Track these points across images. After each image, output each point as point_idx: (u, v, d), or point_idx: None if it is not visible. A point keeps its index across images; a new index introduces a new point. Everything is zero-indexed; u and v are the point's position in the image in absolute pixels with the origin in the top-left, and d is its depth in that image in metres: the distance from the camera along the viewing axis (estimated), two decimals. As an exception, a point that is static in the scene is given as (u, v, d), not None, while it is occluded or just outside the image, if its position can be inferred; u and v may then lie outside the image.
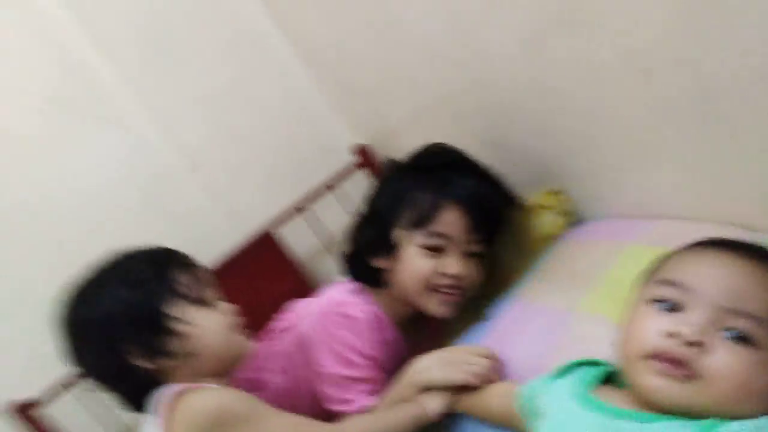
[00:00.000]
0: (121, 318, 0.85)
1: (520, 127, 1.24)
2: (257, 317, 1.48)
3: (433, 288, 1.06)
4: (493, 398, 0.85)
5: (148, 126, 1.61)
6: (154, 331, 0.86)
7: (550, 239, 1.21)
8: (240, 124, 1.72)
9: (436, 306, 1.08)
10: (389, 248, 1.08)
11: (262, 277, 1.56)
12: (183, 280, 0.90)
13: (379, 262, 1.11)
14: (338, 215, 1.72)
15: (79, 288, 0.91)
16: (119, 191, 1.56)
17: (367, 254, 1.12)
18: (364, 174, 1.74)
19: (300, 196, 1.66)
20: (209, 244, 1.58)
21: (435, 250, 1.05)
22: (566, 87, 1.07)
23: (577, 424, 0.64)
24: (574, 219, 1.25)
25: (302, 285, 1.62)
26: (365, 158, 1.74)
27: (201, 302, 0.90)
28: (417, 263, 1.05)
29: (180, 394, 0.84)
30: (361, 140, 1.76)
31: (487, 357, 0.95)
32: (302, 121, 1.80)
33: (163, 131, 1.63)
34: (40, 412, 1.31)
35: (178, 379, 0.87)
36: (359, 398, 1.01)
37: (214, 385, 0.89)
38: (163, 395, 0.85)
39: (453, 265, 1.05)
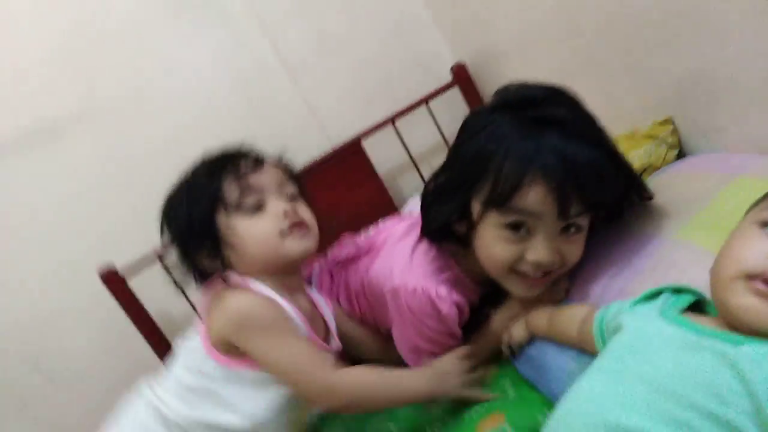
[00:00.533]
0: (184, 232, 0.93)
1: (638, 53, 1.14)
2: (337, 222, 1.52)
3: (517, 272, 0.89)
4: (569, 320, 0.81)
5: (252, 28, 1.63)
6: (208, 240, 0.92)
7: (651, 170, 1.13)
8: (342, 33, 1.70)
9: (521, 290, 0.92)
10: (467, 219, 0.91)
11: (346, 185, 1.57)
12: (230, 189, 0.92)
13: (458, 228, 0.95)
14: (428, 133, 1.70)
15: (166, 198, 0.99)
16: (218, 89, 1.61)
17: (445, 219, 0.95)
18: (459, 94, 1.69)
19: (393, 109, 1.64)
20: (300, 149, 1.60)
21: (517, 229, 0.85)
22: (691, 10, 0.96)
23: (661, 337, 0.60)
24: (679, 152, 1.16)
25: (384, 197, 1.62)
26: (462, 79, 1.68)
27: (246, 210, 0.91)
28: (495, 248, 0.88)
29: (224, 290, 0.92)
30: (462, 59, 1.70)
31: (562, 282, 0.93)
32: (404, 35, 1.76)
33: (266, 34, 1.64)
34: (125, 282, 1.42)
35: (239, 270, 0.93)
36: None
37: (265, 286, 0.92)
38: (215, 284, 0.94)
39: (538, 250, 0.84)
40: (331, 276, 1.19)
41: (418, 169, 1.68)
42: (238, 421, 0.89)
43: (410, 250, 1.02)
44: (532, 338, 0.93)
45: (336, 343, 1.02)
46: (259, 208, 0.92)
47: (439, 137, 1.70)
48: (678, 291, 0.69)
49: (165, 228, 0.96)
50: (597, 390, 0.60)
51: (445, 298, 0.96)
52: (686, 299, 0.67)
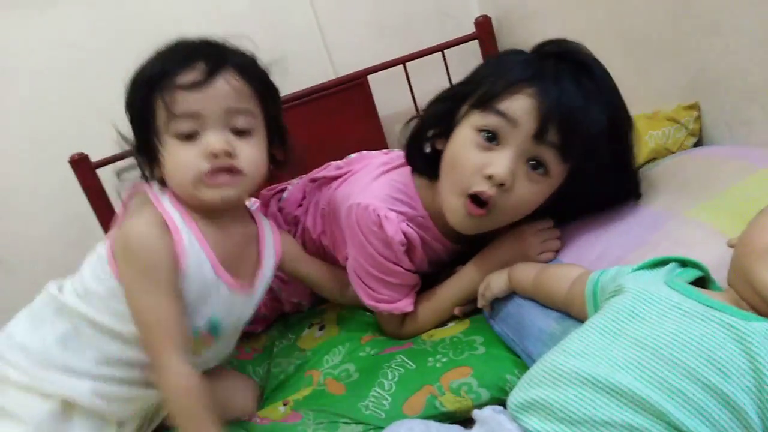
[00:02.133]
0: (131, 120, 0.82)
1: (678, 31, 1.08)
2: (327, 153, 1.45)
3: (467, 195, 0.84)
4: (559, 279, 0.76)
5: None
6: (143, 147, 0.81)
7: (664, 154, 1.08)
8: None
9: (460, 215, 0.86)
10: (448, 126, 0.88)
11: (344, 118, 1.51)
12: (164, 105, 0.76)
13: (436, 143, 0.92)
14: (438, 83, 1.63)
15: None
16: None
17: (426, 132, 0.93)
18: (477, 48, 1.62)
19: (406, 52, 1.57)
20: (304, 73, 1.54)
21: (491, 139, 0.82)
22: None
23: (666, 302, 0.55)
24: (697, 142, 1.11)
25: (379, 138, 1.56)
26: (485, 32, 1.60)
27: (177, 135, 0.77)
28: (463, 151, 0.84)
29: (138, 203, 0.83)
30: (488, 13, 1.63)
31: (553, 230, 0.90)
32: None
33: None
34: (94, 171, 1.37)
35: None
36: (395, 298, 0.96)
37: (180, 212, 0.81)
38: (141, 188, 0.84)
39: (502, 162, 0.80)
40: (304, 193, 1.13)
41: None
42: (130, 331, 0.80)
43: (376, 175, 0.99)
44: (510, 294, 0.88)
45: (260, 283, 0.91)
46: (191, 136, 0.77)
47: (448, 88, 1.64)
48: (684, 264, 0.65)
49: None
50: (588, 347, 0.57)
51: (393, 221, 0.91)
52: (693, 273, 0.63)
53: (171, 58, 0.78)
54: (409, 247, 0.94)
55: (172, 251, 0.78)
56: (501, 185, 0.81)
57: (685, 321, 0.53)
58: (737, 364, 0.49)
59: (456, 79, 1.61)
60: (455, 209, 0.86)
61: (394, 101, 1.62)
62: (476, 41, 1.60)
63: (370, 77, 1.54)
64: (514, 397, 0.59)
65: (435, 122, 0.93)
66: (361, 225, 0.92)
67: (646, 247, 0.76)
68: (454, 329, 0.95)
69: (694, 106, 1.10)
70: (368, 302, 0.96)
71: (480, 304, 0.92)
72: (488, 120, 0.82)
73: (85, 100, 1.43)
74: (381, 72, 1.54)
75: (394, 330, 0.99)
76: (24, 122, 1.43)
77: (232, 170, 0.78)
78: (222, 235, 0.84)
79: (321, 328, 1.08)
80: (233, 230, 0.87)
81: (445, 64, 1.58)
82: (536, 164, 0.82)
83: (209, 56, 0.78)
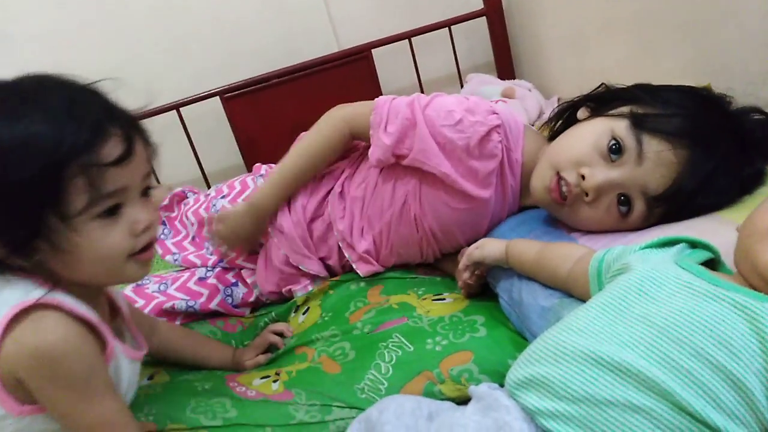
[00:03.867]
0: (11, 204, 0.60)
1: (697, 12, 1.05)
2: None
3: (556, 171, 0.86)
4: (562, 257, 0.75)
5: None
6: (26, 231, 0.61)
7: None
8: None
9: (539, 186, 0.89)
10: (600, 109, 0.89)
11: (345, 92, 1.47)
12: (80, 189, 0.60)
13: (579, 113, 0.93)
14: (443, 60, 1.60)
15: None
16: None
17: (584, 102, 0.93)
18: (485, 26, 1.59)
19: (412, 27, 1.53)
20: (307, 47, 1.51)
21: (613, 152, 0.81)
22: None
23: (676, 281, 0.54)
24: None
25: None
26: (493, 9, 1.56)
27: (96, 216, 0.63)
28: (585, 138, 0.85)
29: (24, 313, 0.62)
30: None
31: None
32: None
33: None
34: None
35: (43, 276, 0.65)
36: None
37: (74, 299, 0.65)
38: (11, 298, 0.62)
39: (601, 175, 0.80)
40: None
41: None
42: None
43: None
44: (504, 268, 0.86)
45: (137, 335, 0.79)
46: (112, 211, 0.64)
47: (452, 66, 1.61)
48: (693, 245, 0.63)
49: None
50: (592, 324, 0.55)
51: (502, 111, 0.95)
52: (703, 255, 0.61)
53: (76, 128, 0.60)
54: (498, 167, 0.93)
55: (96, 354, 0.66)
56: (585, 193, 0.80)
57: (695, 300, 0.51)
58: (748, 345, 0.47)
59: (461, 54, 1.60)
60: (542, 176, 0.87)
61: (398, 76, 1.59)
62: (484, 18, 1.57)
63: (374, 51, 1.51)
64: (513, 374, 0.57)
65: (596, 100, 0.91)
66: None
67: (653, 234, 0.74)
68: (453, 306, 0.92)
69: (706, 88, 1.07)
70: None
71: (462, 263, 0.90)
72: (628, 140, 0.78)
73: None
74: (386, 46, 1.51)
75: None
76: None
77: (152, 246, 0.70)
78: (100, 305, 0.73)
79: (304, 312, 1.04)
80: (103, 295, 0.75)
81: (452, 40, 1.55)
82: (625, 201, 0.79)
83: (117, 120, 0.64)
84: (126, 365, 0.72)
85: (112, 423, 0.65)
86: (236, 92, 1.45)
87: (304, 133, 1.07)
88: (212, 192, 1.19)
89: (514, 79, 1.58)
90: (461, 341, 0.83)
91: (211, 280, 1.09)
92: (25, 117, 0.59)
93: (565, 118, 0.96)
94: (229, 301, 1.09)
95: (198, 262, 1.13)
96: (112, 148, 0.62)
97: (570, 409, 0.50)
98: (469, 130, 0.91)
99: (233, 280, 1.11)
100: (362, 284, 1.04)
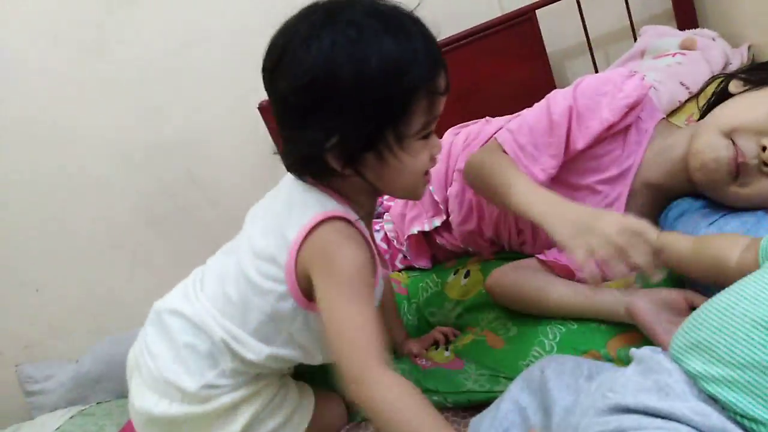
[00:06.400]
0: (363, 113, 0.67)
1: None
2: (489, 98, 1.43)
3: (731, 138, 0.80)
4: (728, 245, 0.69)
5: None
6: (366, 144, 0.69)
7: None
8: None
9: (709, 156, 0.82)
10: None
11: (510, 57, 1.46)
12: (420, 111, 0.69)
13: (735, 84, 0.88)
14: (614, 15, 1.52)
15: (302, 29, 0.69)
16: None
17: (743, 72, 0.88)
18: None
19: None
20: (470, 13, 1.51)
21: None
22: None
23: None
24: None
25: (547, 78, 1.49)
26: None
27: (418, 138, 0.71)
28: None
29: (323, 224, 0.73)
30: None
31: None
32: None
33: None
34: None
35: (342, 189, 0.76)
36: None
37: (361, 225, 0.76)
38: (311, 207, 0.74)
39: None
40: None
41: (592, 54, 1.52)
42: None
43: None
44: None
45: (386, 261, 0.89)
46: (427, 135, 0.73)
47: (624, 19, 1.51)
48: None
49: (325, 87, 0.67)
50: (764, 291, 0.53)
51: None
52: None
53: (429, 57, 0.69)
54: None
55: (370, 261, 0.75)
56: (764, 164, 0.76)
57: None
58: None
59: (635, 9, 1.48)
60: (713, 146, 0.80)
61: (564, 37, 1.54)
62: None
63: (538, 12, 1.47)
64: (678, 339, 0.57)
65: (750, 72, 0.86)
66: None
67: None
68: (619, 283, 0.88)
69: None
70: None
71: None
72: None
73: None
74: (551, 5, 1.47)
75: None
76: (219, 76, 1.60)
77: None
78: (369, 227, 0.83)
79: (466, 275, 1.07)
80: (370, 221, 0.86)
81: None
82: None
83: (442, 60, 0.72)
84: (380, 284, 0.83)
85: (363, 328, 0.70)
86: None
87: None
88: None
89: (696, 28, 1.45)
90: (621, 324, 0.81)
91: None
92: (404, 39, 0.67)
93: (717, 92, 0.89)
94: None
95: None
96: (442, 80, 0.71)
97: (735, 374, 0.50)
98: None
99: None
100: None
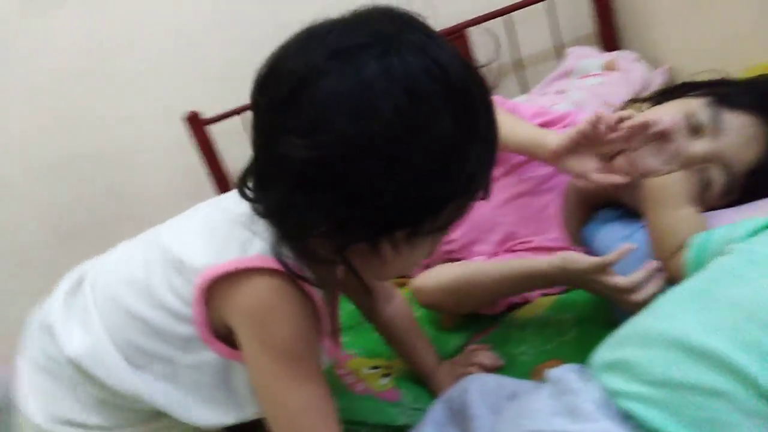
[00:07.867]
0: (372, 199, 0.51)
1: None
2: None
3: None
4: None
5: None
6: (371, 237, 0.54)
7: None
8: None
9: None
10: None
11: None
12: (451, 211, 0.55)
13: None
14: (541, 36, 1.56)
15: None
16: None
17: None
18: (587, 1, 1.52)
19: (510, 3, 1.50)
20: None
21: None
22: None
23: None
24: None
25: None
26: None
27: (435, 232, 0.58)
28: None
29: (253, 276, 0.58)
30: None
31: None
32: None
33: None
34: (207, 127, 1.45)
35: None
36: None
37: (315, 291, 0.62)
38: (238, 249, 0.59)
39: (702, 146, 0.78)
40: None
41: (523, 72, 1.55)
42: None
43: None
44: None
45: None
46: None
47: (548, 42, 1.55)
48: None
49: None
50: (678, 309, 0.55)
51: None
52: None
53: (488, 157, 0.56)
54: None
55: (314, 325, 0.62)
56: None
57: None
58: None
59: (563, 29, 1.53)
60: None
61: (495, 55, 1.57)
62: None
63: (470, 30, 1.49)
64: (599, 356, 0.58)
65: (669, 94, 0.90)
66: None
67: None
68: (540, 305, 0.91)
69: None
70: None
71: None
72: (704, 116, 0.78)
73: (199, 64, 1.51)
74: (481, 24, 1.49)
75: None
76: (143, 85, 1.54)
77: None
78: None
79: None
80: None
81: (554, 13, 1.50)
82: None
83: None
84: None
85: (306, 411, 0.60)
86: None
87: None
88: None
89: (618, 50, 1.50)
90: (549, 348, 0.83)
91: None
92: (466, 121, 0.52)
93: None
94: None
95: None
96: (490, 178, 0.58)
97: (653, 392, 0.50)
98: None
99: None
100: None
